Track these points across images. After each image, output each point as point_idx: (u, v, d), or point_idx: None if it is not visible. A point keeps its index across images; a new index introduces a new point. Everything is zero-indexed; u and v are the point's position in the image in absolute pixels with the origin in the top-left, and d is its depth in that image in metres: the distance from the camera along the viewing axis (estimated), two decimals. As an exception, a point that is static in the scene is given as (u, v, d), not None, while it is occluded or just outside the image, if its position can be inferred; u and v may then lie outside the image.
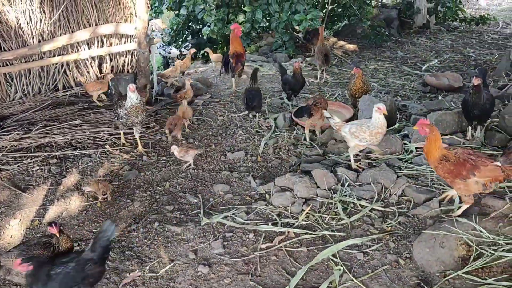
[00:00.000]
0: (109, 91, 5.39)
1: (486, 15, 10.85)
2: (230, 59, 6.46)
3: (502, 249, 3.08)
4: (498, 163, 3.18)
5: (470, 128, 4.50)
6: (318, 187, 4.12)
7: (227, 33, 9.04)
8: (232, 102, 6.38)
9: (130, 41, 5.85)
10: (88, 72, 5.93)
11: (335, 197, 3.98)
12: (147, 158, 4.92)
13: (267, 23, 9.36)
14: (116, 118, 4.89)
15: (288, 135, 5.39)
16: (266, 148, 5.11)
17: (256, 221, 3.84)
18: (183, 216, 4.00)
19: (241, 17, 9.19)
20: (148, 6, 5.61)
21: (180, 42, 9.73)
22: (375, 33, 9.54)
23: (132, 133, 5.07)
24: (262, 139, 5.27)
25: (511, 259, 2.99)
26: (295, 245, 3.53)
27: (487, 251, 3.08)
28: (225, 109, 6.16)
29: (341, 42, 9.78)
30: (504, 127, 4.28)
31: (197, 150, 4.69)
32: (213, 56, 7.89)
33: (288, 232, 3.66)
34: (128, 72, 6.10)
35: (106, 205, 4.16)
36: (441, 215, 3.55)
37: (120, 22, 5.75)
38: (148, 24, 5.73)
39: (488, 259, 3.03)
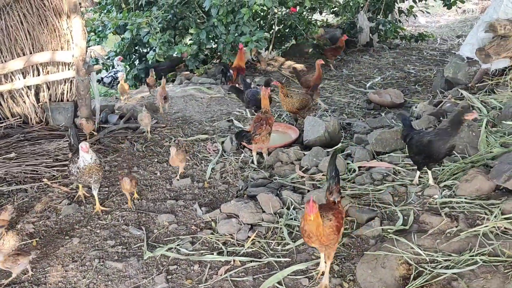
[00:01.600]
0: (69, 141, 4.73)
1: (424, 32, 11.39)
2: (231, 71, 7.68)
3: (440, 265, 3.14)
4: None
5: (419, 173, 4.18)
6: (263, 211, 4.09)
7: (174, 55, 9.00)
8: (179, 126, 6.29)
9: (69, 69, 5.67)
10: (24, 102, 5.67)
11: (280, 221, 3.95)
12: (87, 190, 4.73)
13: (215, 45, 9.40)
14: (68, 173, 4.37)
15: (236, 158, 5.35)
16: (213, 173, 5.04)
17: (202, 251, 3.75)
18: (125, 250, 3.84)
19: (187, 39, 9.17)
20: (85, 33, 5.46)
21: (127, 67, 9.56)
22: (321, 52, 9.77)
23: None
24: (209, 164, 5.20)
25: (449, 275, 3.05)
26: (240, 274, 3.46)
27: (426, 269, 3.13)
28: (172, 134, 6.05)
29: (289, 62, 9.95)
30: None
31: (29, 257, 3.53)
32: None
33: (234, 260, 3.59)
34: (68, 100, 5.89)
35: (43, 244, 3.94)
36: (382, 234, 3.59)
37: (57, 50, 5.56)
38: (87, 51, 5.58)
39: (428, 277, 3.07)
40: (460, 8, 11.87)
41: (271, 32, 9.92)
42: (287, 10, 9.50)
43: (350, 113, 7.02)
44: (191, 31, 8.64)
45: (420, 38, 10.96)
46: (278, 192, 4.36)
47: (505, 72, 5.41)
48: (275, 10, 9.50)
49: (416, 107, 5.84)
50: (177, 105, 7.13)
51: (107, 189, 4.78)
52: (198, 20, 8.99)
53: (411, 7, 11.53)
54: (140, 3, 8.91)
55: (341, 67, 9.62)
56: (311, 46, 9.69)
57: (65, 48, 5.60)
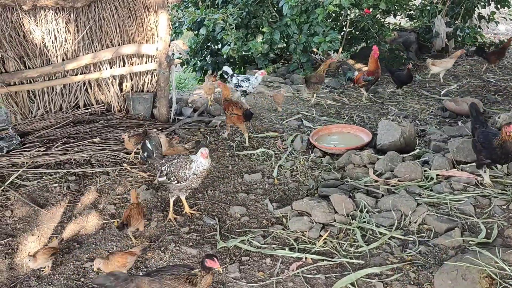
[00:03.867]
0: (144, 153, 4.37)
1: (505, 40, 10.76)
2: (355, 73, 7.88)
3: (526, 283, 2.99)
4: None
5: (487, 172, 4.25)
6: (336, 212, 4.08)
7: (244, 53, 9.15)
8: (251, 121, 6.38)
9: (151, 61, 5.93)
10: (108, 91, 6.01)
11: (353, 223, 3.93)
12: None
13: (286, 44, 9.44)
14: (170, 181, 4.06)
15: (306, 157, 5.36)
16: (283, 171, 5.08)
17: (273, 246, 3.81)
18: (199, 238, 3.98)
19: (259, 38, 9.28)
20: (170, 28, 5.70)
21: (198, 62, 9.85)
22: (394, 56, 9.52)
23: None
24: (279, 161, 5.25)
25: (536, 294, 2.89)
26: (312, 271, 3.48)
27: (511, 285, 2.99)
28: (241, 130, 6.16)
29: (359, 65, 9.78)
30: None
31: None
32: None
33: (306, 258, 3.61)
34: (147, 91, 6.17)
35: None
36: (463, 246, 3.46)
37: (142, 43, 5.84)
38: (170, 45, 5.81)
39: (513, 293, 2.94)
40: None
41: (342, 34, 9.80)
42: (361, 12, 9.35)
43: (423, 119, 6.80)
44: (263, 29, 8.73)
45: (500, 45, 10.36)
46: (350, 194, 4.33)
47: None
48: (348, 12, 9.38)
49: (499, 117, 5.55)
50: (248, 102, 7.22)
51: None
52: (271, 19, 9.08)
53: (493, 13, 10.94)
54: (216, 1, 9.14)
55: (413, 72, 9.31)
56: (385, 50, 9.47)
57: (150, 42, 5.87)
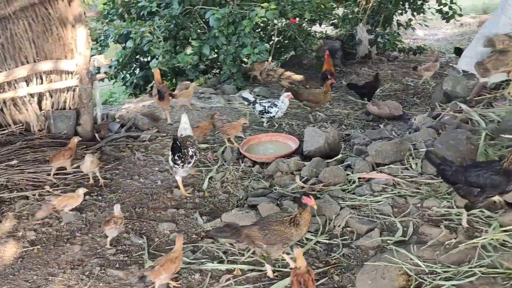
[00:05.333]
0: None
1: (423, 45, 11.51)
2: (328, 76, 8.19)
3: (440, 277, 3.18)
4: None
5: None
6: (264, 221, 4.12)
7: (175, 65, 9.07)
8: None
9: (72, 77, 5.72)
10: (26, 110, 5.70)
11: (282, 231, 3.98)
12: (89, 197, 4.75)
13: (216, 55, 9.48)
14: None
15: (236, 168, 5.39)
16: (214, 183, 5.08)
17: (203, 260, 3.78)
18: (126, 259, 3.86)
19: (188, 50, 9.24)
20: (89, 42, 5.53)
21: (127, 75, 9.63)
22: (321, 63, 9.85)
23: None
24: (209, 173, 5.24)
25: (448, 287, 3.08)
26: (241, 282, 3.49)
27: (425, 280, 3.17)
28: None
29: (288, 73, 10.03)
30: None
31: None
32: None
33: (235, 269, 3.61)
34: (70, 108, 5.93)
35: (44, 251, 3.96)
36: (382, 245, 3.63)
37: (61, 59, 5.61)
38: (90, 60, 5.63)
39: (427, 288, 3.11)
40: (458, 21, 12.01)
41: (270, 43, 10.01)
42: (287, 21, 9.60)
43: (349, 124, 7.08)
44: (192, 42, 8.72)
45: (418, 51, 11.08)
46: (278, 202, 4.40)
47: (502, 86, 5.50)
48: (275, 21, 9.60)
49: (415, 119, 5.90)
50: (178, 114, 7.17)
51: (106, 196, 4.81)
52: (199, 31, 9.08)
53: (410, 20, 11.67)
54: (142, 13, 9.00)
55: (340, 78, 9.70)
56: (312, 58, 9.78)
57: (69, 57, 5.66)
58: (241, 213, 4.15)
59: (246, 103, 6.71)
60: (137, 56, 9.48)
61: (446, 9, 11.01)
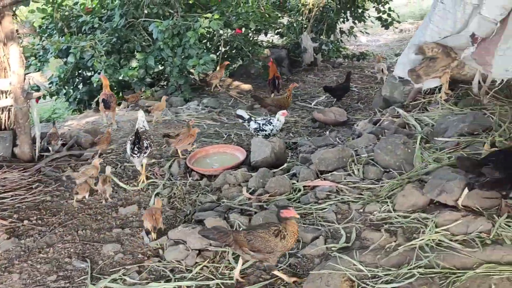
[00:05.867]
0: None
1: (365, 51, 11.91)
2: (276, 80, 8.89)
3: (381, 280, 3.27)
4: None
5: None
6: (211, 236, 4.09)
7: (120, 78, 8.90)
8: (125, 152, 6.18)
9: (6, 97, 5.46)
10: (-43, 132, 5.40)
11: (228, 245, 3.97)
12: (28, 222, 4.54)
13: (162, 67, 9.38)
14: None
15: (184, 182, 5.34)
16: (161, 199, 4.98)
17: (148, 280, 3.69)
18: (68, 285, 3.71)
19: (134, 63, 9.09)
20: (23, 60, 5.31)
21: (70, 91, 9.32)
22: (268, 72, 9.97)
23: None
24: (156, 189, 5.15)
25: (389, 290, 3.18)
26: (189, 301, 3.44)
27: (368, 284, 3.25)
28: (117, 160, 5.95)
29: (236, 83, 10.08)
30: (377, 161, 4.64)
31: None
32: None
33: (181, 287, 3.56)
34: (6, 129, 5.66)
35: (-22, 284, 3.73)
36: (327, 253, 3.69)
37: (-8, 78, 5.36)
38: (25, 79, 5.41)
39: (370, 292, 3.19)
40: (397, 28, 12.53)
41: (217, 54, 10.03)
42: (233, 32, 9.67)
43: (297, 132, 7.19)
44: (137, 55, 8.59)
45: (361, 57, 11.44)
46: (226, 215, 4.39)
47: (435, 91, 5.78)
48: (221, 32, 9.63)
49: (357, 125, 6.08)
50: (124, 129, 7.02)
51: (48, 220, 4.62)
52: (144, 43, 8.97)
53: (352, 27, 12.07)
54: (83, 27, 8.76)
55: (287, 86, 9.83)
56: (259, 67, 9.89)
57: (2, 76, 5.40)
58: (188, 228, 4.09)
59: (240, 120, 6.66)
60: (80, 71, 9.20)
61: (385, 16, 11.47)
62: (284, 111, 6.49)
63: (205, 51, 8.78)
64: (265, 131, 6.28)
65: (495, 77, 4.37)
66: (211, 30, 8.77)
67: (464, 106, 5.44)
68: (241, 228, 3.97)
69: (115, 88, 9.74)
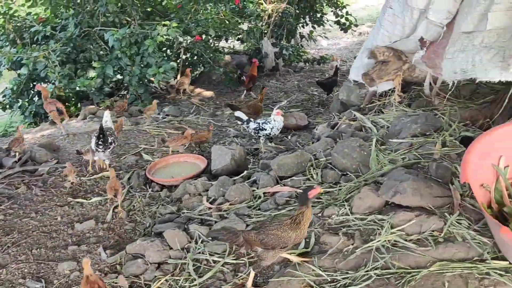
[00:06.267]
0: None
1: (325, 55, 12.08)
2: (244, 77, 9.47)
3: (340, 284, 3.30)
4: None
5: None
6: (171, 248, 4.03)
7: (77, 89, 8.67)
8: (82, 165, 6.02)
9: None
10: None
11: (188, 256, 3.92)
12: (-22, 244, 4.35)
13: (121, 76, 9.20)
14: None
15: (143, 194, 5.24)
16: (120, 212, 4.88)
17: (106, 298, 3.59)
18: (21, 307, 3.57)
19: (91, 73, 8.89)
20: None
21: (25, 103, 9.01)
22: (229, 78, 9.97)
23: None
24: (115, 202, 5.03)
25: (348, 293, 3.21)
26: (147, 317, 3.37)
27: (327, 289, 3.27)
28: (75, 174, 5.78)
29: (198, 90, 10.01)
30: (335, 164, 4.70)
31: None
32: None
33: (140, 303, 3.49)
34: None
35: None
36: (287, 260, 3.69)
37: None
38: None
39: (328, 296, 3.22)
40: (355, 31, 12.78)
41: (178, 61, 9.94)
42: (193, 39, 9.61)
43: (259, 137, 7.18)
44: (94, 64, 8.40)
45: (322, 60, 11.60)
46: (185, 226, 4.33)
47: (388, 94, 5.92)
48: (180, 39, 9.56)
49: (316, 129, 6.15)
50: (81, 141, 6.84)
51: (4, 238, 4.43)
52: (101, 52, 8.78)
53: (311, 32, 12.22)
54: (36, 38, 8.50)
55: (256, 91, 9.87)
56: (220, 73, 9.86)
57: None
58: (146, 242, 4.02)
59: (239, 122, 6.60)
60: (35, 83, 8.91)
61: (343, 20, 11.68)
62: (279, 110, 6.47)
63: (165, 59, 8.68)
64: (265, 130, 6.17)
65: (445, 79, 4.50)
66: (170, 37, 8.68)
67: (416, 108, 5.60)
68: (248, 227, 4.04)
69: (72, 99, 9.52)
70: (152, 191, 5.30)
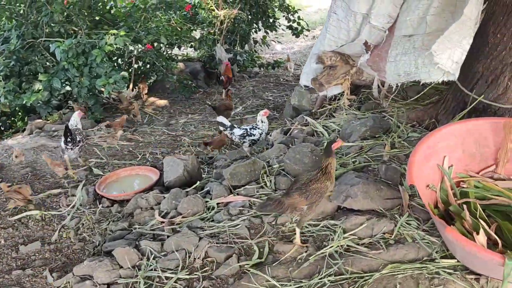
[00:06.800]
0: None
1: (279, 59, 12.16)
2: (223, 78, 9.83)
3: (293, 293, 3.27)
4: None
5: None
6: (121, 267, 3.87)
7: (24, 103, 8.29)
8: (28, 183, 5.73)
9: None
10: None
11: (139, 274, 3.78)
12: None
13: (70, 88, 8.87)
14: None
15: (93, 211, 5.04)
16: (68, 231, 4.67)
17: (52, 325, 3.41)
18: None
19: (37, 85, 8.52)
20: None
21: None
22: (184, 86, 9.83)
23: None
24: (62, 221, 4.82)
25: (301, 301, 3.18)
26: None
27: (281, 299, 3.23)
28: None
29: (152, 99, 9.81)
30: (288, 171, 4.68)
31: None
32: None
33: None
34: None
35: None
36: (241, 271, 3.63)
37: None
38: None
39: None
40: (307, 36, 12.92)
41: (130, 70, 9.70)
42: (143, 47, 9.41)
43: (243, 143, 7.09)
44: (40, 77, 8.05)
45: (276, 65, 11.65)
46: (137, 242, 4.18)
47: (338, 98, 5.99)
48: (131, 48, 9.34)
49: (270, 135, 6.13)
50: (26, 158, 6.53)
51: None
52: (48, 63, 8.44)
53: (264, 37, 12.27)
54: (-24, 51, 8.07)
55: (204, 99, 9.77)
56: (173, 81, 9.71)
57: None
58: (94, 262, 3.84)
59: (222, 128, 6.17)
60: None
61: (295, 25, 11.79)
62: (266, 110, 6.13)
63: (115, 68, 8.43)
64: (254, 135, 5.85)
65: (389, 82, 4.59)
66: (119, 46, 8.45)
67: (366, 110, 5.68)
68: (277, 193, 4.33)
69: (19, 113, 9.11)
70: (102, 207, 5.10)
